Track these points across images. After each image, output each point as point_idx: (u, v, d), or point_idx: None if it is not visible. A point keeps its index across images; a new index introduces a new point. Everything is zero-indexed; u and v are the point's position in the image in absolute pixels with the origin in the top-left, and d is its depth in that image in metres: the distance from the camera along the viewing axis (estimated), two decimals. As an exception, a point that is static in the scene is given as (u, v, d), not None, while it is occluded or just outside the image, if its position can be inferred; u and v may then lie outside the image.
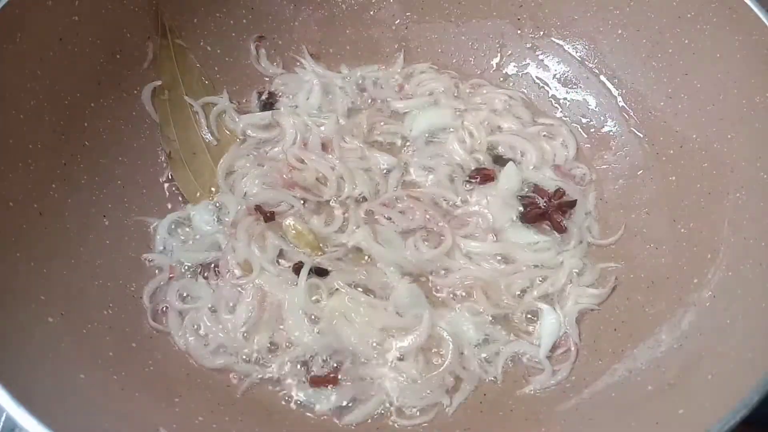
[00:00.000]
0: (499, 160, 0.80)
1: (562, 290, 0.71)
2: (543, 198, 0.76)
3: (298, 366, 0.67)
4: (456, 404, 0.65)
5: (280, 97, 0.85)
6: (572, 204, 0.76)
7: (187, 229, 0.74)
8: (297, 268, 0.70)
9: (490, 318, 0.69)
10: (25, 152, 0.62)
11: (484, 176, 0.78)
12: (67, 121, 0.67)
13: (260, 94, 0.85)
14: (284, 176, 0.77)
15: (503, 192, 0.76)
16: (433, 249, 0.72)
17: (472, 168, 0.79)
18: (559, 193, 0.77)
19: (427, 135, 0.83)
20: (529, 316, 0.70)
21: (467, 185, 0.78)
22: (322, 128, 0.81)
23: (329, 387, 0.65)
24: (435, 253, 0.72)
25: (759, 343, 0.53)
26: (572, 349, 0.67)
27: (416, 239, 0.73)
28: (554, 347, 0.68)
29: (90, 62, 0.69)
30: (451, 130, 0.83)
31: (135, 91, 0.75)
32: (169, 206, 0.76)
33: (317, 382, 0.65)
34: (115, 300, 0.66)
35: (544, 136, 0.83)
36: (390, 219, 0.75)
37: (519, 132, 0.82)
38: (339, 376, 0.66)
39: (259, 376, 0.66)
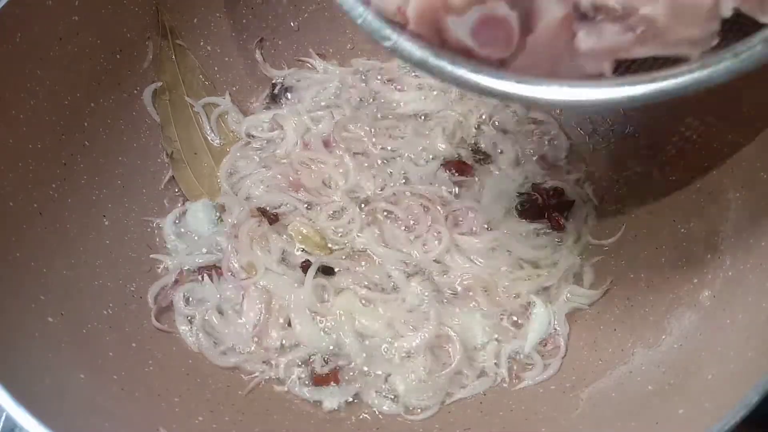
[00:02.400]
0: (479, 155, 0.81)
1: (556, 287, 0.72)
2: (541, 195, 0.77)
3: (302, 365, 0.67)
4: (457, 397, 0.65)
5: (292, 91, 0.85)
6: (570, 204, 0.76)
7: (189, 233, 0.74)
8: (305, 267, 0.70)
9: (493, 316, 0.70)
10: (25, 152, 0.62)
11: (460, 169, 0.79)
12: (67, 121, 0.67)
13: (274, 86, 0.85)
14: (290, 178, 0.77)
15: (496, 193, 0.77)
16: (438, 247, 0.73)
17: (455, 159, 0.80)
18: (558, 191, 0.77)
19: (421, 126, 0.83)
20: (524, 312, 0.71)
21: (453, 177, 0.79)
22: (321, 125, 0.81)
23: (332, 384, 0.65)
24: (439, 251, 0.73)
25: (759, 343, 0.53)
26: (561, 344, 0.68)
27: (425, 238, 0.74)
28: (543, 343, 0.69)
29: (90, 62, 0.69)
30: (439, 118, 0.83)
31: (135, 91, 0.75)
32: (170, 206, 0.76)
33: (320, 380, 0.66)
34: (115, 300, 0.66)
35: (533, 134, 0.83)
36: (395, 217, 0.76)
37: (507, 128, 0.83)
38: (342, 374, 0.66)
39: (267, 376, 0.66)
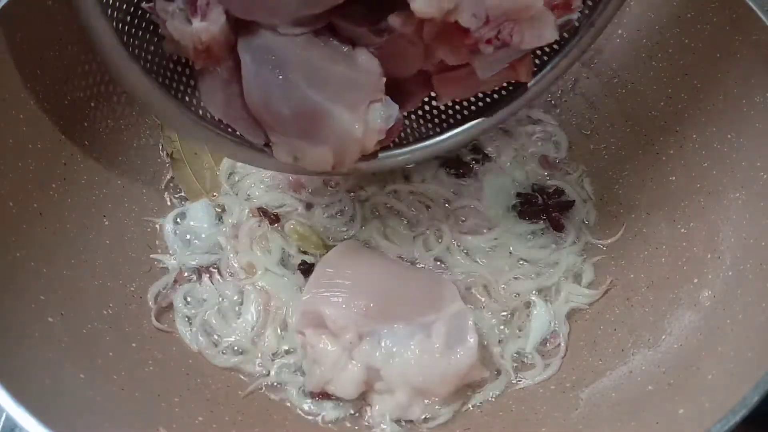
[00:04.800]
0: (479, 154, 0.81)
1: (556, 287, 0.72)
2: (542, 196, 0.77)
3: (298, 372, 0.66)
4: (476, 401, 0.65)
5: None
6: (570, 204, 0.76)
7: (189, 233, 0.74)
8: (304, 270, 0.70)
9: (494, 315, 0.70)
10: (25, 152, 0.62)
11: (460, 169, 0.79)
12: (67, 121, 0.67)
13: None
14: (290, 178, 0.77)
15: (496, 193, 0.78)
16: (439, 246, 0.73)
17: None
18: (558, 191, 0.77)
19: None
20: (524, 312, 0.71)
21: (453, 177, 0.79)
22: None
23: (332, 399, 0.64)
24: (440, 249, 0.73)
25: (759, 343, 0.53)
26: (561, 344, 0.68)
27: (426, 236, 0.74)
28: (544, 342, 0.69)
29: (90, 62, 0.69)
30: None
31: (135, 91, 0.75)
32: (170, 206, 0.76)
33: (319, 396, 0.64)
34: (115, 300, 0.66)
35: (534, 134, 0.83)
36: (397, 212, 0.76)
37: (507, 128, 0.83)
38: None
39: (265, 383, 0.66)
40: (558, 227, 0.75)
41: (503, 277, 0.72)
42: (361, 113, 0.54)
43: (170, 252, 0.73)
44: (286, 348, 0.68)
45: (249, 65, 0.51)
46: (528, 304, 0.71)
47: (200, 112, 0.59)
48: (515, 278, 0.72)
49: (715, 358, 0.56)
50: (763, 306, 0.55)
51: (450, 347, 0.61)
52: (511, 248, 0.74)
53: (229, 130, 0.59)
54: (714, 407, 0.50)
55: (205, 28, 0.49)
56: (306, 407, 0.64)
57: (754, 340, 0.54)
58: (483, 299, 0.71)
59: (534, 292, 0.71)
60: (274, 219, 0.74)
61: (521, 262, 0.73)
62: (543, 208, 0.76)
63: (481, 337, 0.68)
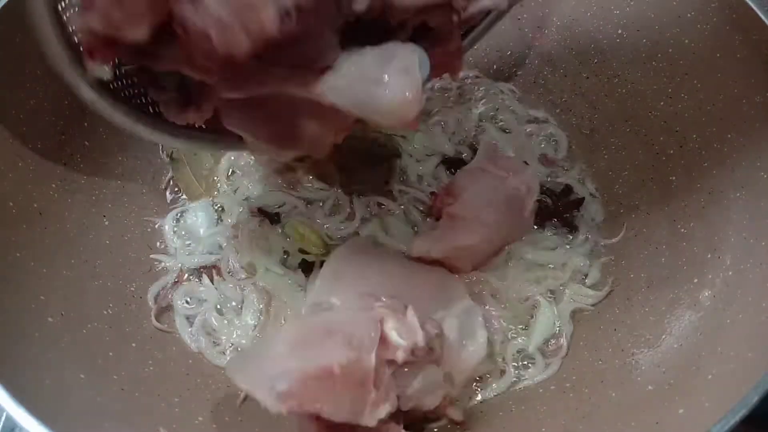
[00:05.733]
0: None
1: (562, 287, 0.72)
2: (551, 197, 0.77)
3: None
4: (477, 401, 0.65)
5: None
6: (580, 202, 0.76)
7: (189, 233, 0.74)
8: (305, 269, 0.71)
9: (502, 315, 0.70)
10: (25, 152, 0.62)
11: (460, 168, 0.79)
12: (67, 121, 0.67)
13: None
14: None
15: None
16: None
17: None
18: (566, 189, 0.78)
19: (420, 124, 0.82)
20: (529, 312, 0.70)
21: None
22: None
23: None
24: None
25: (759, 343, 0.53)
26: (564, 344, 0.68)
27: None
28: (546, 342, 0.69)
29: (90, 62, 0.69)
30: (438, 116, 0.83)
31: (135, 91, 0.75)
32: (170, 206, 0.76)
33: None
34: (115, 300, 0.66)
35: (534, 133, 0.83)
36: (398, 213, 0.76)
37: (507, 127, 0.83)
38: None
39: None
40: (570, 227, 0.75)
41: (509, 277, 0.72)
42: None
43: (170, 252, 0.73)
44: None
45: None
46: (533, 304, 0.70)
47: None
48: (520, 278, 0.72)
49: (715, 358, 0.56)
50: (763, 306, 0.56)
51: (460, 342, 0.61)
52: (517, 250, 0.73)
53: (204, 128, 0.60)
54: (714, 407, 0.50)
55: (201, 117, 0.53)
56: None
57: (754, 340, 0.54)
58: (488, 298, 0.70)
59: (539, 292, 0.71)
60: (274, 219, 0.74)
61: (528, 264, 0.73)
62: (553, 211, 0.76)
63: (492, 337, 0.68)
